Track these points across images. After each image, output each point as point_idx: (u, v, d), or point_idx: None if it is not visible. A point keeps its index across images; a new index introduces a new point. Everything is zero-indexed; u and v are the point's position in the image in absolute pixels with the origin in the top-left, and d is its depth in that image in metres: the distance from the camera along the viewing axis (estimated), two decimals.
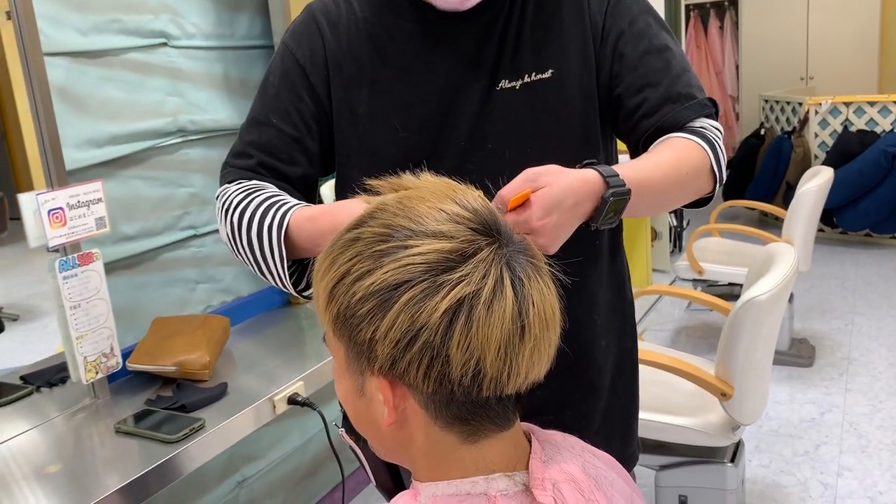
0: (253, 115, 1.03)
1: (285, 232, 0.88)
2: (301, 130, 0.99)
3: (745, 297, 1.68)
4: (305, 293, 0.96)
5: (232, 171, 1.01)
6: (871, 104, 4.82)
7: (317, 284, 0.64)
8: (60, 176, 1.36)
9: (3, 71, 1.53)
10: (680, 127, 0.95)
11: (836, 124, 4.97)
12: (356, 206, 0.76)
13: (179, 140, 1.78)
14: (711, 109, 0.98)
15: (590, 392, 1.05)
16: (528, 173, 0.75)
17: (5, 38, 1.45)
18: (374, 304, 0.57)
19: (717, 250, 3.44)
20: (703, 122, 0.96)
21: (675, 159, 0.90)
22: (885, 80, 6.11)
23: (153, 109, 1.72)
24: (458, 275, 0.57)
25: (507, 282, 0.58)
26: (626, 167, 0.84)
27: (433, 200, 0.61)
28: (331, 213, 0.84)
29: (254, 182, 0.98)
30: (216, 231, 1.90)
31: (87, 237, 1.39)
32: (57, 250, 1.36)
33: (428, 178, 0.66)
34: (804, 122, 5.10)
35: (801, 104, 5.21)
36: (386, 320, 0.57)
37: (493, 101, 0.96)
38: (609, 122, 1.02)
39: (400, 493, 0.70)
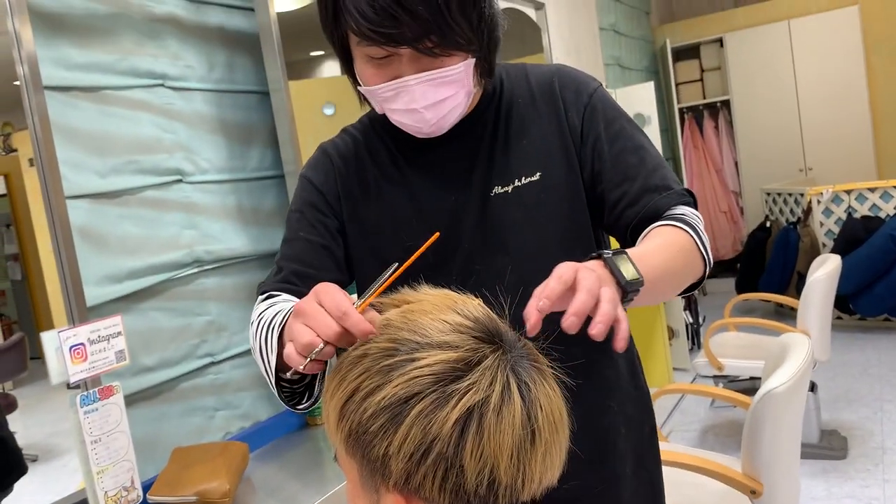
0: (283, 239, 1.11)
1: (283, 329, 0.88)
2: (327, 239, 1.07)
3: (762, 390, 1.67)
4: (300, 407, 0.98)
5: (264, 284, 1.07)
6: (872, 190, 4.89)
7: (327, 404, 0.66)
8: (81, 313, 1.40)
9: (25, 214, 1.61)
10: (661, 215, 1.00)
11: (839, 212, 5.03)
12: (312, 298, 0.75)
13: (196, 270, 1.84)
14: (689, 198, 1.03)
15: (613, 480, 1.06)
16: (562, 269, 0.73)
17: (28, 184, 1.53)
18: (385, 419, 0.59)
19: (734, 345, 3.42)
20: (683, 210, 1.01)
21: (668, 244, 0.95)
22: (883, 165, 6.23)
23: (170, 243, 1.79)
24: (465, 384, 0.59)
25: (514, 387, 0.60)
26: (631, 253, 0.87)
27: (435, 312, 0.64)
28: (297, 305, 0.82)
29: (283, 295, 1.02)
30: (233, 357, 1.92)
31: (108, 371, 1.42)
32: (78, 386, 1.38)
33: (427, 290, 0.69)
34: (808, 211, 5.16)
35: (802, 195, 5.29)
36: (399, 434, 0.58)
37: (489, 207, 1.05)
38: (597, 217, 1.08)
39: None
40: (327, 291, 0.71)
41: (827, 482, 2.93)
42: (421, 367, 0.59)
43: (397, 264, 0.74)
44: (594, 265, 0.78)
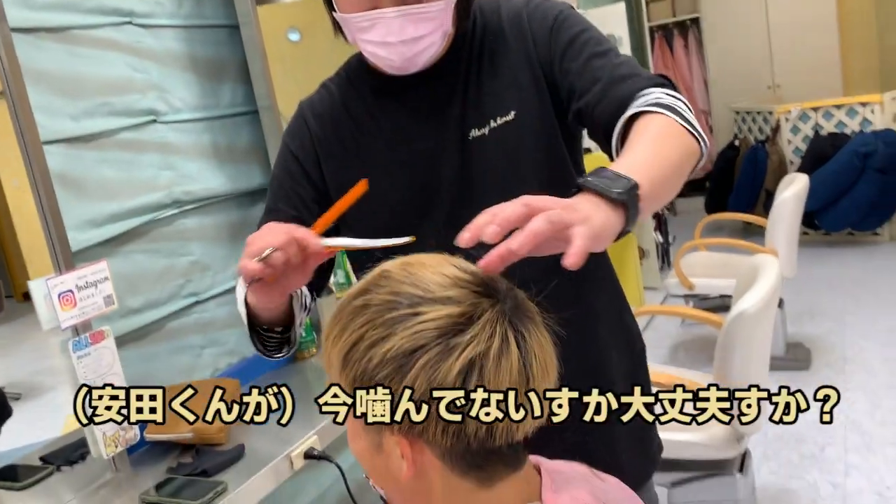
0: (265, 206, 1.14)
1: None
2: (301, 211, 1.09)
3: (734, 311, 1.74)
4: (277, 355, 1.07)
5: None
6: (839, 107, 4.95)
7: (329, 350, 0.69)
8: (67, 260, 1.41)
9: None
10: (630, 101, 0.94)
11: (806, 129, 5.09)
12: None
13: (175, 211, 1.84)
14: (660, 79, 0.97)
15: None
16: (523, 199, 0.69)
17: None
18: (391, 369, 0.62)
19: (704, 264, 3.51)
20: (653, 92, 0.94)
21: (648, 138, 0.87)
22: (849, 82, 6.27)
23: (148, 185, 1.78)
24: (467, 337, 0.62)
25: (511, 339, 0.64)
26: (626, 168, 0.79)
27: (434, 265, 0.66)
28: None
29: None
30: (218, 296, 1.94)
31: (97, 315, 1.44)
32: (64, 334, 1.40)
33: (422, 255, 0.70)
34: (776, 129, 5.22)
35: (771, 113, 5.34)
36: (405, 383, 0.62)
37: (468, 150, 1.05)
38: (592, 135, 1.04)
39: None
40: (275, 223, 0.83)
41: None
42: (425, 322, 0.62)
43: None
44: (579, 199, 0.72)
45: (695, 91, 6.83)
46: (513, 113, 1.04)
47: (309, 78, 2.15)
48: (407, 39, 0.96)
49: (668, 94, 0.93)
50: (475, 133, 1.04)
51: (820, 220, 4.87)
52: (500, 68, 1.06)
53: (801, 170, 4.81)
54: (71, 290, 1.39)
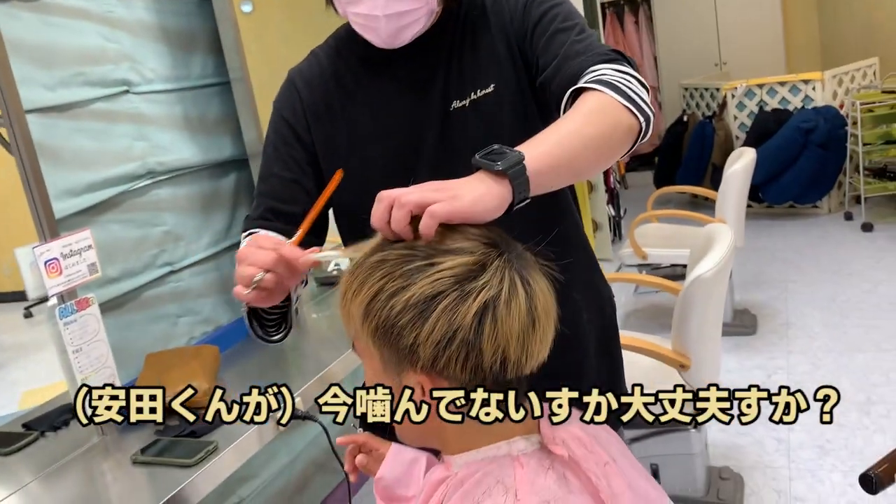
0: (260, 174, 1.18)
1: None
2: (297, 173, 1.13)
3: (692, 275, 1.85)
4: (276, 337, 1.14)
5: (246, 221, 1.15)
6: (782, 84, 5.13)
7: (348, 304, 0.75)
8: (52, 228, 1.42)
9: None
10: (578, 77, 0.96)
11: (752, 105, 5.27)
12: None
13: (149, 182, 1.85)
14: (612, 55, 0.99)
15: (577, 363, 1.19)
16: (428, 186, 0.77)
17: None
18: (413, 314, 0.69)
19: (657, 235, 3.64)
20: (599, 68, 0.96)
21: (572, 115, 0.90)
22: (792, 60, 6.50)
23: (122, 155, 1.79)
24: (481, 282, 0.70)
25: (519, 283, 0.71)
26: (530, 143, 0.86)
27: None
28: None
29: (261, 231, 1.11)
30: (191, 265, 1.97)
31: (83, 283, 1.46)
32: (43, 301, 1.42)
33: None
34: (723, 105, 5.39)
35: (718, 89, 5.50)
36: (427, 326, 0.69)
37: (450, 121, 1.10)
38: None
39: (432, 468, 0.81)
40: (264, 235, 0.88)
41: (738, 356, 3.24)
42: (442, 270, 0.70)
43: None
44: (463, 178, 0.79)
45: (645, 67, 6.98)
46: (492, 85, 1.09)
47: (262, 48, 2.17)
48: (392, 14, 1.01)
49: (614, 70, 0.94)
50: (457, 104, 1.09)
51: (764, 193, 5.06)
52: (480, 43, 1.11)
53: (746, 144, 4.98)
54: (56, 258, 1.41)
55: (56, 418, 1.58)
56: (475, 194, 0.76)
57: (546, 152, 0.83)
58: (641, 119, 0.92)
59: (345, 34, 1.18)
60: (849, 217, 4.88)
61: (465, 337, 0.68)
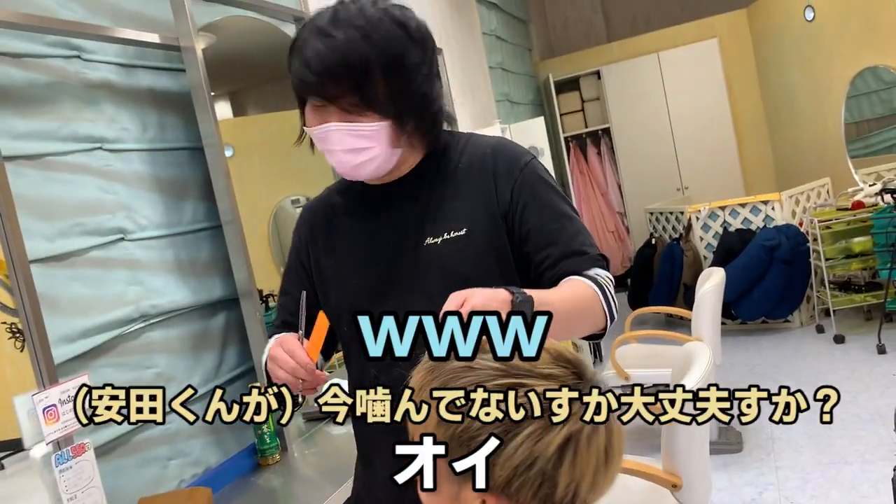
0: (281, 287, 1.42)
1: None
2: (309, 294, 1.28)
3: None
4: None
5: (270, 328, 1.35)
6: (743, 205, 5.38)
7: (422, 395, 0.75)
8: (51, 375, 1.45)
9: None
10: (579, 275, 1.18)
11: (716, 226, 5.49)
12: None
13: (142, 325, 1.89)
14: (602, 262, 1.22)
15: None
16: (455, 294, 0.95)
17: None
18: (497, 433, 0.70)
19: (637, 355, 3.70)
20: (596, 271, 1.20)
21: (572, 292, 1.14)
22: (749, 181, 6.83)
23: (117, 300, 1.84)
24: (567, 414, 0.71)
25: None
26: (532, 291, 1.03)
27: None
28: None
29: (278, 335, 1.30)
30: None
31: (79, 429, 1.47)
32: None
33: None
34: (688, 228, 5.61)
35: (682, 212, 5.74)
36: (508, 448, 0.70)
37: (421, 255, 1.23)
38: (523, 272, 1.26)
39: None
40: (284, 341, 1.14)
41: (728, 474, 3.23)
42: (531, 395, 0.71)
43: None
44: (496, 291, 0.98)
45: (610, 195, 7.27)
46: (464, 229, 1.23)
47: (241, 190, 2.28)
48: (347, 150, 1.17)
49: (604, 276, 1.20)
50: (430, 241, 1.23)
51: (736, 310, 5.18)
52: (460, 194, 1.26)
53: (714, 264, 5.15)
54: (54, 405, 1.43)
55: None
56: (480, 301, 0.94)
57: (544, 300, 1.02)
58: (607, 320, 1.18)
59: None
60: (820, 330, 4.99)
61: (543, 467, 0.70)
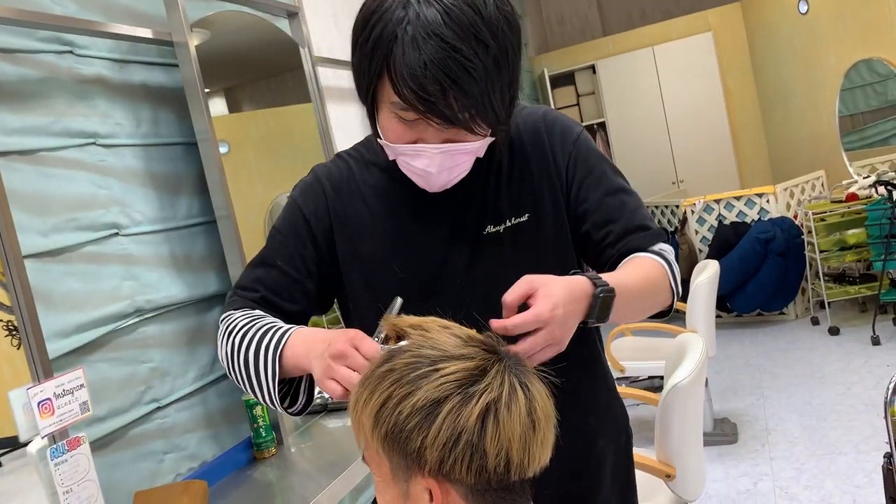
0: (261, 256, 1.18)
1: (281, 352, 1.02)
2: (303, 273, 1.15)
3: (669, 385, 1.90)
4: (290, 410, 1.09)
5: (238, 300, 1.16)
6: (738, 199, 5.39)
7: (359, 413, 0.79)
8: (46, 369, 1.46)
9: None
10: (644, 251, 1.11)
11: (711, 220, 5.50)
12: (326, 336, 0.95)
13: (137, 320, 1.90)
14: (665, 236, 1.14)
15: (593, 489, 1.21)
16: (526, 279, 0.89)
17: None
18: (420, 418, 0.74)
19: (632, 348, 3.71)
20: (661, 246, 1.12)
21: (643, 271, 1.06)
22: (744, 174, 6.84)
23: (111, 295, 1.84)
24: (482, 386, 0.75)
25: (518, 387, 0.77)
26: (606, 275, 0.99)
27: (444, 331, 0.80)
28: (306, 343, 0.99)
29: (257, 311, 1.13)
30: (177, 401, 1.98)
31: (74, 422, 1.48)
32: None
33: (427, 318, 0.84)
34: (683, 221, 5.62)
35: (677, 206, 5.75)
36: (433, 429, 0.73)
37: (481, 245, 1.12)
38: (580, 251, 1.18)
39: None
40: (362, 340, 0.88)
41: (724, 465, 3.25)
42: (446, 375, 0.75)
43: (401, 300, 0.90)
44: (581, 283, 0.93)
45: None
46: (527, 215, 1.13)
47: (237, 187, 2.28)
48: (444, 170, 1.02)
49: (669, 250, 1.13)
50: (490, 229, 1.12)
51: (731, 303, 5.20)
52: (517, 174, 1.14)
53: (709, 257, 5.16)
54: (49, 399, 1.44)
55: None
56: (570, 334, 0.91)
57: (621, 284, 0.97)
58: (674, 300, 1.13)
59: (372, 145, 1.17)
60: (815, 322, 5.01)
61: (469, 439, 0.73)
